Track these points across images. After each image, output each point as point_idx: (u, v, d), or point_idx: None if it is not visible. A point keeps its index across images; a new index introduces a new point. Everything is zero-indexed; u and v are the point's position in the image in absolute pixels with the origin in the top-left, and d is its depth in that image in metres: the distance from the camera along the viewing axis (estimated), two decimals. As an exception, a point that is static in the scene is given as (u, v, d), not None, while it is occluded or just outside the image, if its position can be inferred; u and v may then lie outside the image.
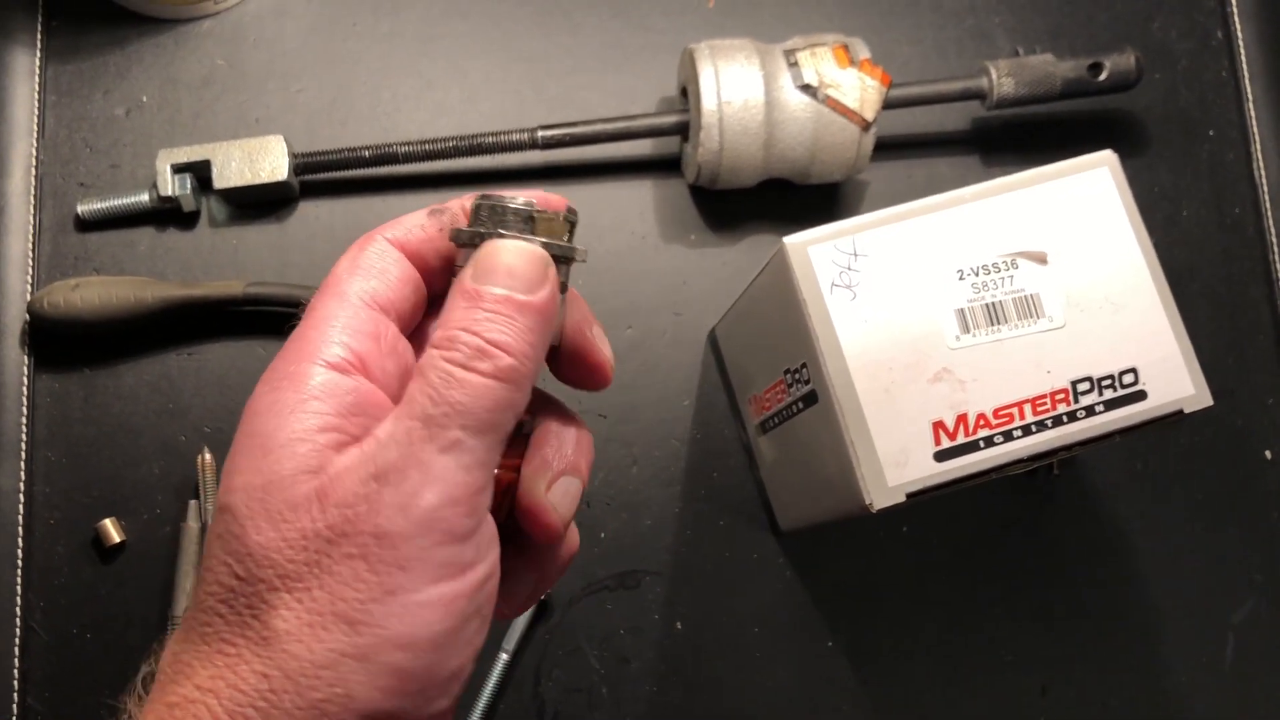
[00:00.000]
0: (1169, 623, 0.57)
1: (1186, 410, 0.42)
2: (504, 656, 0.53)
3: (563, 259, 0.30)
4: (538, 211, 0.30)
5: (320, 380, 0.28)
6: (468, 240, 0.30)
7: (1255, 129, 0.63)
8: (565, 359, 0.33)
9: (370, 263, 0.31)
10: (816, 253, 0.42)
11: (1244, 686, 0.57)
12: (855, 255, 0.42)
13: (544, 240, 0.30)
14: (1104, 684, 0.56)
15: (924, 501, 0.41)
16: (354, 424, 0.28)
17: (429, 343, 0.28)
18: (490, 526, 0.29)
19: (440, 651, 0.27)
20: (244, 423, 0.28)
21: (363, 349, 0.29)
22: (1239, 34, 0.65)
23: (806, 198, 0.60)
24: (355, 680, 0.25)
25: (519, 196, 0.30)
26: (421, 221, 0.32)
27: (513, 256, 0.29)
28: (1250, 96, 0.64)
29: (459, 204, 0.32)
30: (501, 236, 0.30)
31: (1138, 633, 0.57)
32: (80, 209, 0.56)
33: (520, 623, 0.54)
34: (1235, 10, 0.65)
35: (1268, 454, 0.59)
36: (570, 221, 0.31)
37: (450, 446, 0.27)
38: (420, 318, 0.33)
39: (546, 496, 0.31)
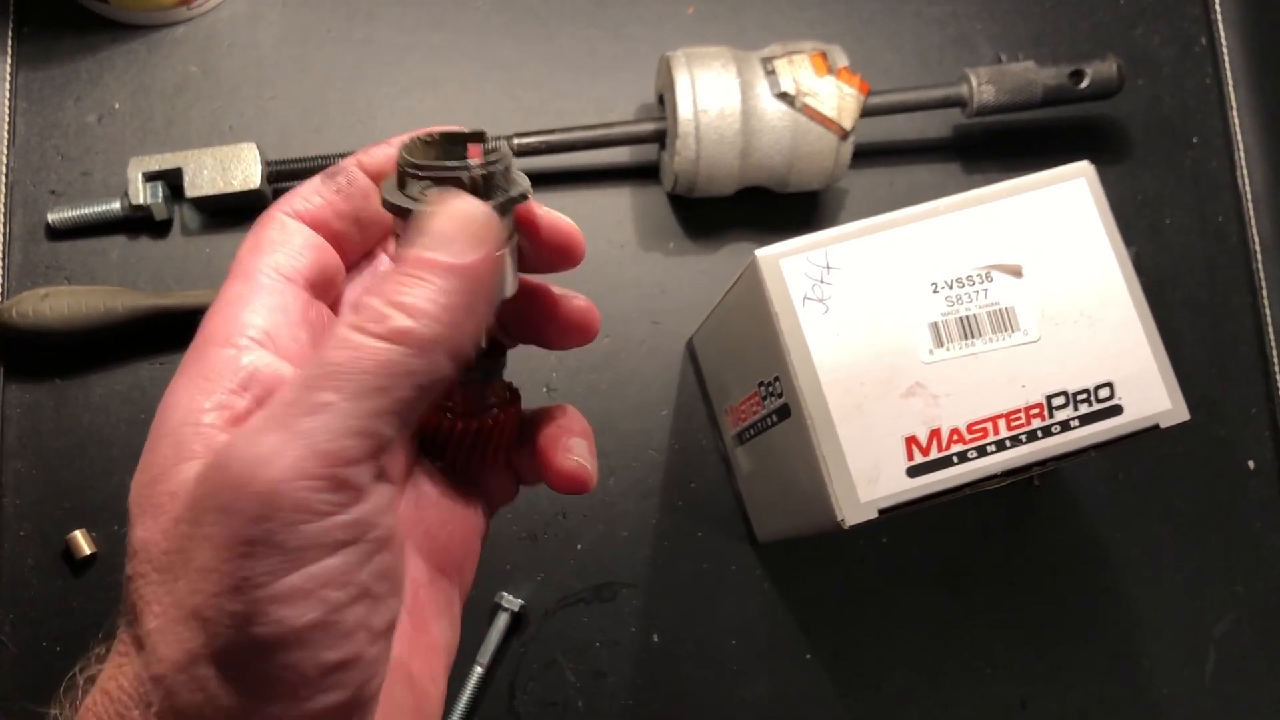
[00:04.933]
0: (1150, 635, 0.57)
1: (1163, 425, 0.42)
2: (479, 669, 0.53)
3: (506, 208, 0.29)
4: (466, 168, 0.28)
5: (214, 361, 0.27)
6: (397, 210, 0.29)
7: (1239, 136, 0.63)
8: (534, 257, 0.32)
9: (271, 237, 0.30)
10: (789, 265, 0.42)
11: (1225, 700, 0.56)
12: (828, 268, 0.42)
13: (490, 203, 0.28)
14: (1084, 697, 0.56)
15: (903, 515, 0.41)
16: (247, 399, 0.27)
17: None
18: (378, 498, 0.26)
19: (307, 648, 0.24)
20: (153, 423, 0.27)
21: (268, 323, 0.28)
22: (1222, 41, 0.64)
23: (785, 206, 0.59)
24: (214, 684, 0.24)
25: (454, 140, 0.29)
26: (317, 189, 0.31)
27: (441, 220, 0.27)
28: (1234, 103, 0.63)
29: (353, 162, 0.31)
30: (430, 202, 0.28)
31: (1119, 645, 0.57)
32: (51, 217, 0.56)
33: (494, 636, 0.53)
34: (1219, 17, 0.64)
35: (1251, 464, 0.59)
36: (498, 163, 0.29)
37: (315, 409, 0.24)
38: (341, 286, 0.32)
39: (572, 458, 0.32)
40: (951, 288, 0.42)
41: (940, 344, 0.41)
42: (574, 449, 0.32)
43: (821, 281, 0.42)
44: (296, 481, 0.24)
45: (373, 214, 0.32)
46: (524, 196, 0.30)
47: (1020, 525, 0.57)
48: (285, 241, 0.30)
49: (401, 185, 0.29)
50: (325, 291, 0.31)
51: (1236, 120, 0.63)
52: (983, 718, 0.55)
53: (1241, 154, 0.63)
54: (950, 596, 0.56)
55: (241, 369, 0.27)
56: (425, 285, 0.26)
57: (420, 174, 0.28)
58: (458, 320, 0.26)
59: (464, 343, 0.27)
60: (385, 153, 0.32)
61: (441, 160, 0.29)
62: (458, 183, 0.28)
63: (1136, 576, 0.57)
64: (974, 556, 0.57)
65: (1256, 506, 0.58)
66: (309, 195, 0.31)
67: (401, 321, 0.25)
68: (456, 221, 0.27)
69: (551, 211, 0.32)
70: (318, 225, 0.31)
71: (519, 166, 0.31)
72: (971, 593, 0.56)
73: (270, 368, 0.28)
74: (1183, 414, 0.42)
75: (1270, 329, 0.60)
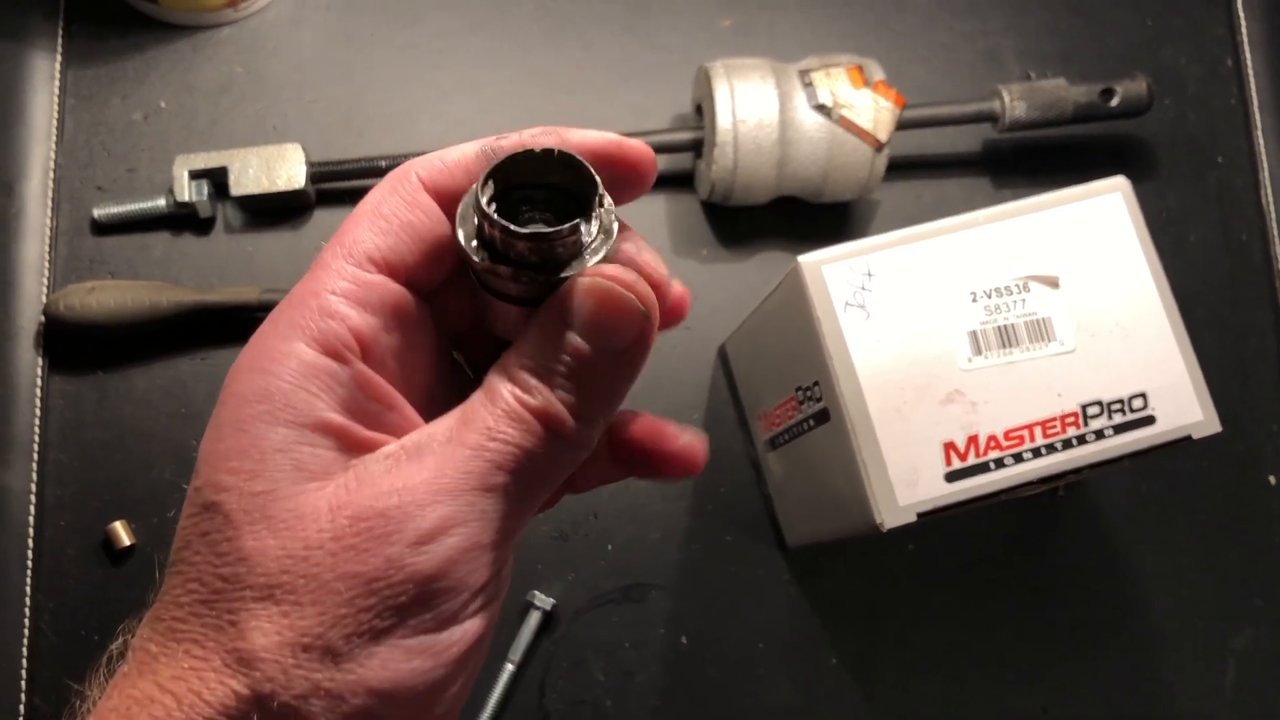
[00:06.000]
0: (1171, 646, 0.57)
1: (1195, 436, 0.43)
2: (509, 668, 0.53)
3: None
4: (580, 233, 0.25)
5: (312, 366, 0.25)
6: (513, 298, 0.26)
7: (1263, 156, 0.64)
8: None
9: (394, 212, 0.27)
10: (831, 272, 0.42)
11: (1244, 712, 0.57)
12: (869, 275, 0.43)
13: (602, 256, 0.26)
14: (1105, 706, 0.56)
15: (933, 521, 0.42)
16: (355, 420, 0.26)
17: (504, 366, 0.26)
18: (509, 565, 0.27)
19: (419, 703, 0.25)
20: (228, 406, 0.25)
21: (363, 325, 0.26)
22: (1248, 62, 0.65)
23: (818, 216, 0.60)
24: (324, 717, 0.24)
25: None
26: (469, 163, 0.27)
27: (605, 309, 0.25)
28: (1259, 124, 0.64)
29: (519, 140, 0.27)
30: (546, 278, 0.25)
31: (1139, 655, 0.57)
32: (96, 213, 0.57)
33: (526, 634, 0.54)
34: (1245, 38, 0.65)
35: (1272, 479, 0.60)
36: (607, 210, 0.26)
37: (491, 489, 0.25)
38: (448, 268, 0.29)
39: (686, 436, 0.30)
40: (990, 297, 0.43)
41: (979, 352, 0.42)
42: (684, 430, 0.30)
43: (863, 289, 0.42)
44: (470, 552, 0.25)
45: None
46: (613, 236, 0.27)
47: (1044, 536, 0.58)
48: (408, 225, 0.27)
49: (482, 234, 0.26)
50: (428, 278, 0.28)
51: (1261, 140, 0.64)
52: (1005, 724, 0.56)
53: (1266, 173, 0.64)
54: (974, 604, 0.57)
55: (343, 384, 0.26)
56: (592, 385, 0.26)
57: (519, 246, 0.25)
58: (613, 414, 0.27)
59: (605, 427, 0.27)
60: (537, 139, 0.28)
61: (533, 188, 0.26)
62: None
63: (1158, 588, 0.58)
64: (998, 566, 0.57)
65: (1277, 521, 0.59)
66: (456, 167, 0.28)
67: (572, 424, 0.26)
68: (621, 317, 0.26)
69: (652, 260, 0.28)
70: (451, 201, 0.27)
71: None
72: (995, 601, 0.57)
73: (371, 383, 0.26)
74: (1214, 425, 0.43)
75: (1292, 346, 0.61)
